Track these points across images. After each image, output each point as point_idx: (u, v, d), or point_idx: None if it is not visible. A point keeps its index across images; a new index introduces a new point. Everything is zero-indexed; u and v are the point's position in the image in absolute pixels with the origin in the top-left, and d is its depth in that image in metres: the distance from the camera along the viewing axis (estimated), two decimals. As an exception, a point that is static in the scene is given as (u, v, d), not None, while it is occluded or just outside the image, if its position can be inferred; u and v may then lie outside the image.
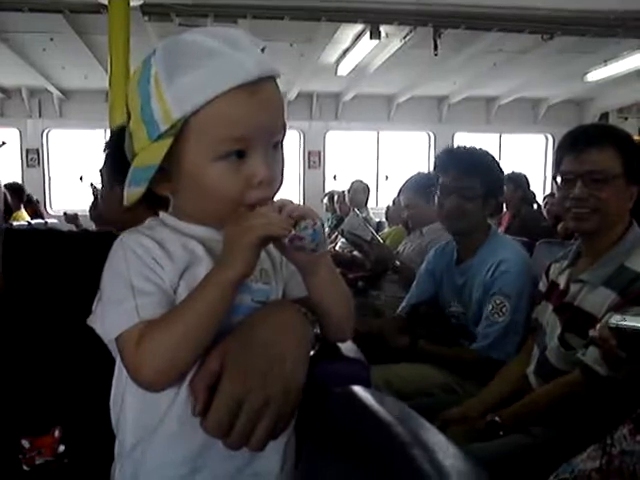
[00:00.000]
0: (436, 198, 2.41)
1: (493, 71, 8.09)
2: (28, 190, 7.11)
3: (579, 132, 1.80)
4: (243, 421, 0.78)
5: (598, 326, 1.39)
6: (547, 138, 10.94)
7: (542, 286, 2.00)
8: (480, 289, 2.25)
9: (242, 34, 0.81)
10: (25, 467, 0.99)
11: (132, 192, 0.83)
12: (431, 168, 2.74)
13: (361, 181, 6.50)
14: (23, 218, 6.08)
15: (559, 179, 1.82)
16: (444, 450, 0.65)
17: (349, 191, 6.45)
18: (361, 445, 0.77)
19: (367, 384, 1.10)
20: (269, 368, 0.79)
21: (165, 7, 5.53)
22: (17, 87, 9.41)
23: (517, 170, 6.14)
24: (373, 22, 6.10)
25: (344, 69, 7.81)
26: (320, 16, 5.86)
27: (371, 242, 3.49)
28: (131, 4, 4.18)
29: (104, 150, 1.70)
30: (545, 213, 6.36)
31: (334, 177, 10.31)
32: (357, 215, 5.02)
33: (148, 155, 0.80)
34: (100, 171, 1.94)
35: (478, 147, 2.43)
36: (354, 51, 7.05)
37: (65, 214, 6.16)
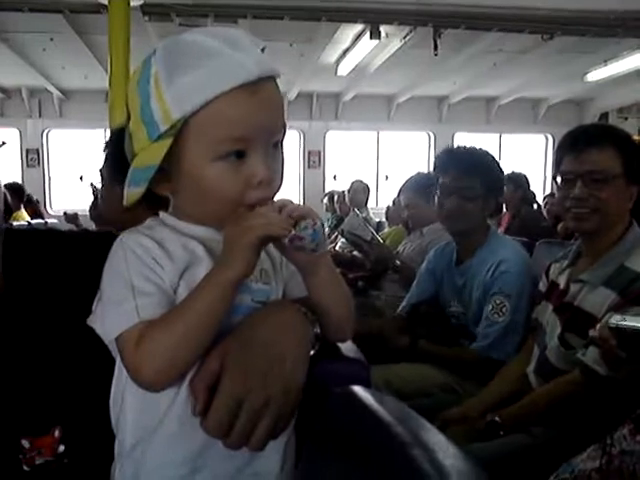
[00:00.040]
0: (436, 198, 2.41)
1: (493, 71, 8.09)
2: (28, 190, 7.12)
3: (579, 132, 1.80)
4: (243, 421, 0.78)
5: (598, 326, 1.39)
6: (547, 138, 10.94)
7: (542, 286, 2.00)
8: (480, 289, 2.25)
9: (242, 34, 0.81)
10: (25, 467, 0.99)
11: (132, 192, 0.83)
12: (431, 168, 2.74)
13: (361, 181, 6.50)
14: (23, 218, 6.08)
15: (559, 179, 1.82)
16: (444, 450, 0.65)
17: (349, 191, 6.45)
18: (361, 445, 0.77)
19: (367, 384, 1.10)
20: (269, 368, 0.79)
21: (165, 7, 5.52)
22: (17, 87, 9.41)
23: (517, 170, 6.14)
24: (373, 22, 6.10)
25: (344, 69, 7.81)
26: (320, 16, 5.86)
27: (371, 242, 3.49)
28: (131, 4, 4.18)
29: (104, 149, 1.71)
30: (545, 213, 6.35)
31: (334, 177, 10.31)
32: (357, 215, 5.02)
33: (148, 155, 0.80)
34: (100, 170, 1.94)
35: (478, 147, 2.43)
36: (354, 51, 7.05)
37: (65, 214, 6.16)
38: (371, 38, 6.26)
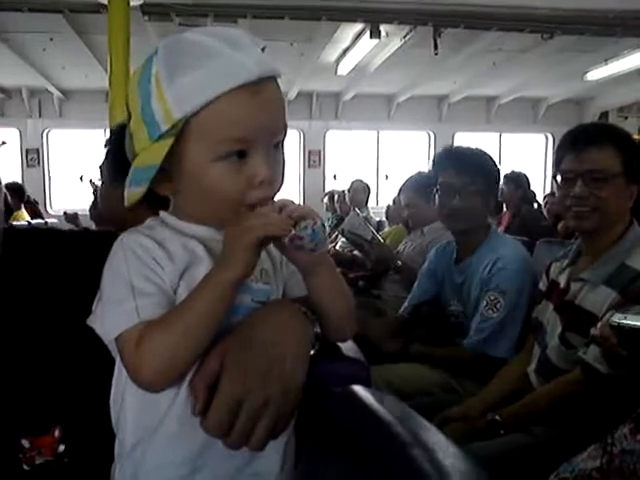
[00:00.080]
0: (436, 197, 2.41)
1: (493, 70, 8.08)
2: (28, 190, 7.11)
3: (579, 131, 1.80)
4: (243, 421, 0.78)
5: (599, 324, 1.39)
6: (547, 137, 10.93)
7: (542, 285, 2.00)
8: (478, 287, 2.25)
9: (242, 34, 0.81)
10: (25, 467, 0.99)
11: (133, 192, 0.83)
12: (430, 168, 2.73)
13: (361, 180, 6.50)
14: (23, 218, 6.08)
15: (559, 178, 1.82)
16: (444, 450, 0.65)
17: (349, 190, 6.45)
18: (361, 445, 0.77)
19: (367, 384, 1.10)
20: (269, 368, 0.79)
21: (165, 7, 5.52)
22: (17, 87, 9.40)
23: (517, 169, 6.14)
24: (373, 21, 6.10)
25: (344, 68, 7.80)
26: (320, 15, 5.86)
27: (371, 241, 3.48)
28: (131, 4, 4.18)
29: (105, 146, 1.71)
30: (545, 212, 6.35)
31: (334, 177, 10.29)
32: (357, 214, 5.02)
33: (149, 155, 0.80)
34: (100, 167, 1.94)
35: (474, 147, 2.44)
36: (354, 50, 7.05)
37: (65, 214, 6.16)
38: (371, 37, 6.25)
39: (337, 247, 5.03)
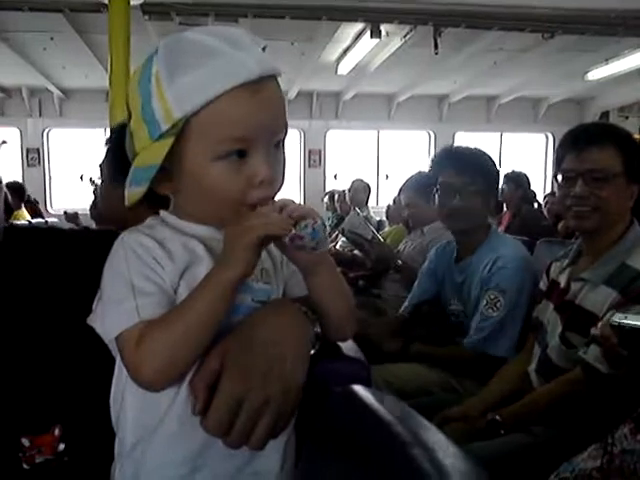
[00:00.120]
0: (436, 197, 2.41)
1: (493, 70, 8.08)
2: (28, 189, 7.12)
3: (580, 131, 1.80)
4: (243, 420, 0.78)
5: (599, 324, 1.39)
6: (547, 137, 10.92)
7: (543, 285, 2.00)
8: (478, 286, 2.25)
9: (243, 33, 0.81)
10: (25, 465, 0.99)
11: (133, 192, 0.83)
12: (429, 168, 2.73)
13: (361, 180, 6.50)
14: (24, 217, 6.09)
15: (560, 177, 1.82)
16: (444, 449, 0.65)
17: (349, 190, 6.46)
18: (361, 444, 0.77)
19: (367, 383, 1.10)
20: (269, 367, 0.79)
21: (165, 6, 5.52)
22: (17, 86, 9.39)
23: (517, 169, 6.13)
24: (373, 21, 6.10)
25: (344, 68, 7.80)
26: (321, 15, 5.85)
27: (372, 241, 3.48)
28: (131, 3, 4.18)
29: (105, 144, 1.71)
30: (545, 212, 6.35)
31: (335, 176, 10.29)
32: (358, 214, 5.00)
33: (149, 155, 0.80)
34: (100, 166, 1.93)
35: (474, 147, 2.44)
36: (354, 50, 7.05)
37: (65, 213, 6.16)
38: (371, 37, 6.25)
39: (337, 246, 5.03)
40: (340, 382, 0.92)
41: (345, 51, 7.31)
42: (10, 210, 5.68)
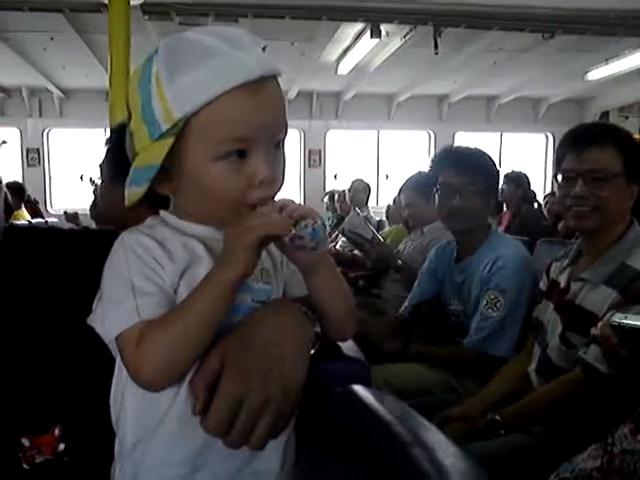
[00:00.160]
0: (436, 197, 2.41)
1: (493, 70, 8.08)
2: (28, 189, 7.12)
3: (580, 131, 1.80)
4: (243, 420, 0.78)
5: (600, 324, 1.39)
6: (547, 137, 10.92)
7: (543, 285, 2.00)
8: (478, 286, 2.25)
9: (243, 33, 0.81)
10: (25, 465, 0.99)
11: (133, 192, 0.82)
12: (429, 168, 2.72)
13: (361, 180, 6.50)
14: (24, 217, 6.09)
15: (560, 177, 1.82)
16: (444, 449, 0.65)
17: (350, 190, 6.45)
18: (361, 444, 0.77)
19: (367, 383, 1.10)
20: (269, 367, 0.79)
21: (165, 6, 5.52)
22: (17, 86, 9.39)
23: (517, 169, 6.13)
24: (373, 21, 6.10)
25: (344, 68, 7.80)
26: (321, 15, 5.85)
27: (372, 241, 3.48)
28: (131, 3, 4.18)
29: (105, 144, 1.71)
30: (545, 212, 6.34)
31: (335, 176, 10.29)
32: (358, 214, 5.01)
33: (149, 155, 0.80)
34: (100, 166, 1.93)
35: (474, 147, 2.44)
36: (354, 50, 7.05)
37: (65, 213, 6.16)
38: (371, 37, 6.25)
39: (337, 246, 5.03)
40: (340, 382, 0.92)
41: (345, 51, 7.31)
42: (10, 210, 5.67)
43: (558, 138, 1.95)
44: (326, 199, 7.82)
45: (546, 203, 6.71)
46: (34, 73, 8.10)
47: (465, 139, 9.88)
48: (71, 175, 8.80)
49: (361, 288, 3.61)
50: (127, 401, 0.84)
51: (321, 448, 0.87)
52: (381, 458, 0.71)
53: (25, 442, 0.99)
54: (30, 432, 0.99)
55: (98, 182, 2.15)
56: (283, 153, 0.85)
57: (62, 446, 1.01)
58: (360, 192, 6.35)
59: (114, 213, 1.34)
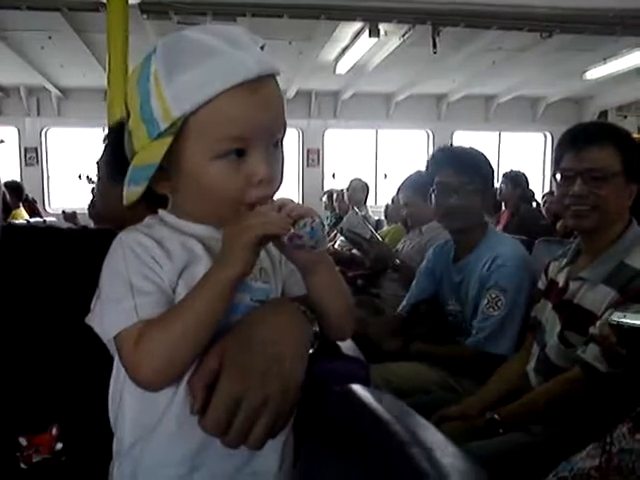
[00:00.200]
0: (433, 197, 2.41)
1: (492, 69, 8.08)
2: (27, 189, 7.11)
3: (579, 130, 1.81)
4: (241, 419, 0.77)
5: (598, 323, 1.39)
6: (546, 136, 10.93)
7: (541, 284, 2.00)
8: (476, 285, 2.26)
9: (242, 32, 0.81)
10: (22, 465, 0.99)
11: (132, 191, 0.82)
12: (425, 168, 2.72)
13: (360, 179, 6.50)
14: (22, 217, 6.09)
15: (559, 176, 1.82)
16: (443, 448, 0.65)
17: (348, 189, 6.46)
18: (360, 444, 0.77)
19: (366, 383, 1.10)
20: (268, 367, 0.79)
21: (164, 5, 5.52)
22: (15, 85, 9.39)
23: (516, 168, 6.14)
24: (372, 20, 6.10)
25: (343, 67, 7.80)
26: (319, 14, 5.85)
27: (370, 240, 3.49)
28: (129, 2, 4.18)
29: (103, 141, 1.70)
30: (544, 211, 6.35)
31: (333, 175, 10.29)
32: (356, 213, 5.02)
33: (148, 154, 0.80)
34: (97, 163, 1.93)
35: (469, 146, 2.44)
36: (353, 49, 7.05)
37: (64, 212, 6.16)
38: (370, 36, 6.26)
39: (336, 246, 5.04)
40: (339, 381, 0.92)
41: (343, 50, 7.31)
42: (8, 209, 5.68)
43: (556, 137, 1.95)
44: (324, 198, 7.83)
45: (544, 202, 6.72)
46: (32, 72, 8.10)
47: (464, 138, 9.89)
48: (69, 174, 8.79)
49: (360, 287, 3.61)
50: (125, 401, 0.83)
51: (320, 448, 0.87)
52: (380, 457, 0.71)
53: (22, 441, 0.99)
54: (27, 431, 0.99)
55: (95, 179, 2.14)
56: (282, 152, 0.85)
57: (60, 445, 1.01)
58: (358, 191, 6.35)
59: (112, 212, 1.34)
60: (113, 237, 0.83)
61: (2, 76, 8.70)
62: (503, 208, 5.94)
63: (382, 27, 6.19)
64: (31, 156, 9.83)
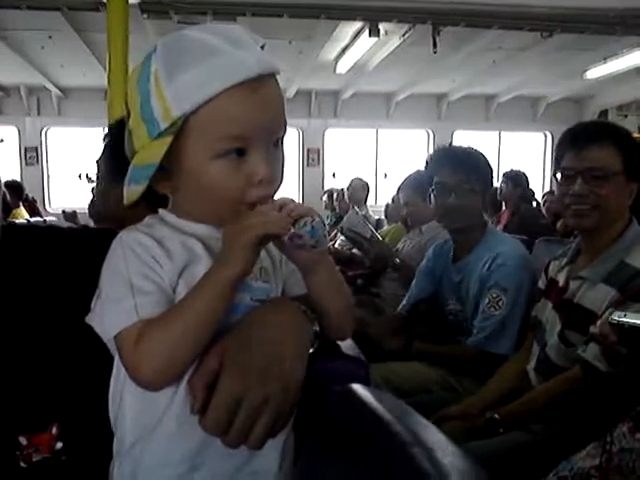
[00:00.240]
0: (432, 197, 2.41)
1: (492, 69, 8.08)
2: (27, 188, 7.12)
3: (579, 129, 1.81)
4: (242, 419, 0.77)
5: (599, 322, 1.39)
6: (546, 136, 10.93)
7: (541, 284, 2.00)
8: (477, 284, 2.25)
9: (242, 31, 0.81)
10: (22, 464, 0.99)
11: (132, 190, 0.82)
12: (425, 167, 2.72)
13: (360, 179, 6.50)
14: (22, 216, 6.09)
15: (559, 176, 1.82)
16: (443, 448, 0.65)
17: (348, 189, 6.45)
18: (360, 443, 0.77)
19: (366, 382, 1.10)
20: (268, 366, 0.79)
21: (164, 5, 5.52)
22: (16, 85, 9.39)
23: (516, 168, 6.13)
24: (372, 19, 6.10)
25: (343, 67, 7.80)
26: (319, 13, 5.85)
27: (370, 240, 3.48)
28: (130, 2, 4.17)
29: (103, 140, 1.70)
30: (544, 211, 6.35)
31: (333, 175, 10.29)
32: (356, 213, 5.01)
33: (148, 153, 0.80)
34: (97, 162, 1.92)
35: (467, 146, 2.44)
36: (353, 49, 7.05)
37: (64, 212, 6.16)
38: (370, 36, 6.25)
39: (336, 245, 5.03)
40: (339, 381, 0.92)
41: (344, 50, 7.30)
42: (8, 209, 5.68)
43: (557, 137, 1.95)
44: (325, 198, 7.82)
45: (545, 202, 6.72)
46: (32, 72, 8.10)
47: (464, 138, 9.88)
48: (69, 174, 8.79)
49: (360, 287, 3.61)
50: (125, 400, 0.83)
51: (320, 447, 0.87)
52: (380, 457, 0.71)
53: (22, 440, 0.99)
54: (28, 431, 0.99)
55: (94, 178, 2.14)
56: (282, 152, 0.85)
57: (59, 445, 1.01)
58: (359, 191, 6.35)
59: (112, 212, 1.34)
60: (113, 237, 0.83)
61: (2, 76, 8.71)
62: (503, 208, 5.95)
63: (382, 27, 6.19)
64: (31, 156, 9.83)
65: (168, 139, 0.78)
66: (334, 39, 6.81)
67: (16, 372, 1.01)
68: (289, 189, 9.38)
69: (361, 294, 3.45)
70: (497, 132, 10.86)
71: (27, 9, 5.52)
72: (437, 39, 6.25)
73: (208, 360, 0.79)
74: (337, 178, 9.86)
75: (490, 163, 2.41)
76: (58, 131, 10.08)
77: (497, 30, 6.27)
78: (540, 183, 10.43)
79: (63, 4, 5.56)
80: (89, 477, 0.97)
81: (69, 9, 5.65)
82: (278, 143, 0.84)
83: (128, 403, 0.83)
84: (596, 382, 1.54)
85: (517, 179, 5.89)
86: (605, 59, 7.46)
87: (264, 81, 0.79)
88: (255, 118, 0.78)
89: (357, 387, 0.85)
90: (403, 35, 6.51)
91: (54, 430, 1.01)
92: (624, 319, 1.27)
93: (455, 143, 2.54)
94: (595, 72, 7.94)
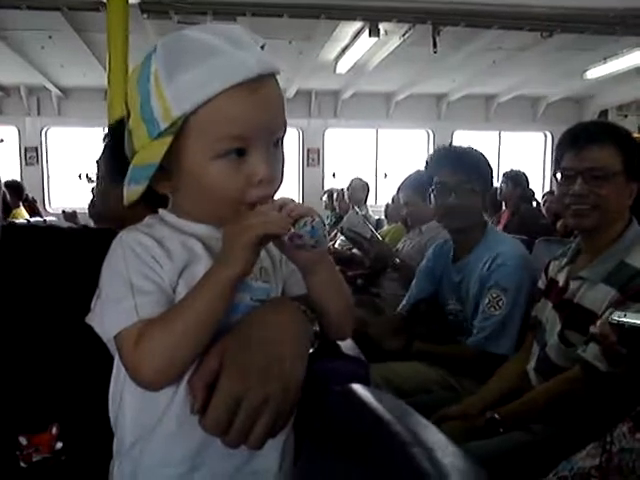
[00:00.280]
0: (432, 197, 2.41)
1: (492, 69, 8.08)
2: (27, 188, 7.12)
3: (579, 129, 1.81)
4: (242, 419, 0.77)
5: (599, 322, 1.39)
6: (546, 136, 10.93)
7: (541, 283, 2.00)
8: (477, 284, 2.25)
9: (242, 31, 0.81)
10: (22, 464, 0.99)
11: (132, 190, 0.82)
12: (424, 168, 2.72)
13: (360, 179, 6.50)
14: (22, 216, 6.09)
15: (559, 176, 1.82)
16: (443, 448, 0.65)
17: (348, 189, 6.46)
18: (360, 443, 0.77)
19: (366, 382, 1.10)
20: (268, 366, 0.79)
21: (164, 5, 5.52)
22: (16, 85, 9.39)
23: (516, 168, 6.13)
24: (372, 19, 6.10)
25: (343, 67, 7.80)
26: (319, 14, 5.85)
27: (370, 240, 3.48)
28: (130, 2, 4.17)
29: (103, 140, 1.70)
30: (544, 211, 6.35)
31: (333, 175, 10.30)
32: (356, 213, 5.02)
33: (148, 153, 0.80)
34: (97, 162, 1.92)
35: (467, 146, 2.44)
36: (353, 49, 7.05)
37: (64, 212, 6.16)
38: (370, 36, 6.25)
39: (336, 245, 5.04)
40: (339, 381, 0.92)
41: (344, 50, 7.30)
42: (8, 209, 5.68)
43: (557, 137, 1.95)
44: (325, 198, 7.82)
45: (545, 202, 6.71)
46: (32, 72, 8.10)
47: (464, 138, 9.88)
48: (69, 174, 8.79)
49: (360, 287, 3.61)
50: (126, 400, 0.83)
51: (320, 447, 0.87)
52: (380, 457, 0.71)
53: (22, 440, 0.99)
54: (27, 430, 0.99)
55: (94, 178, 2.14)
56: (282, 152, 0.85)
57: (59, 445, 1.01)
58: (359, 191, 6.35)
59: (112, 212, 1.34)
60: (113, 237, 0.83)
61: (2, 75, 8.71)
62: (503, 207, 5.95)
63: (382, 26, 6.19)
64: (31, 156, 9.83)
65: (168, 139, 0.78)
66: (334, 39, 6.81)
67: (16, 372, 1.01)
68: (289, 189, 9.38)
69: (361, 294, 3.45)
70: (497, 132, 10.86)
71: (27, 9, 5.52)
72: (437, 39, 6.25)
73: (208, 360, 0.79)
74: (337, 178, 9.86)
75: (490, 163, 2.42)
76: (58, 131, 10.09)
77: (497, 30, 6.27)
78: (540, 183, 10.43)
79: (63, 4, 5.56)
80: (89, 477, 0.97)
81: (69, 9, 5.65)
82: (278, 143, 0.83)
83: (128, 403, 0.83)
84: (596, 382, 1.54)
85: (517, 179, 5.89)
86: (605, 59, 7.46)
87: (264, 81, 0.79)
88: (255, 118, 0.78)
89: (357, 387, 0.85)
90: (403, 35, 6.51)
91: (54, 430, 1.01)
92: (624, 319, 1.27)
93: (455, 143, 2.53)
94: (595, 72, 7.95)
